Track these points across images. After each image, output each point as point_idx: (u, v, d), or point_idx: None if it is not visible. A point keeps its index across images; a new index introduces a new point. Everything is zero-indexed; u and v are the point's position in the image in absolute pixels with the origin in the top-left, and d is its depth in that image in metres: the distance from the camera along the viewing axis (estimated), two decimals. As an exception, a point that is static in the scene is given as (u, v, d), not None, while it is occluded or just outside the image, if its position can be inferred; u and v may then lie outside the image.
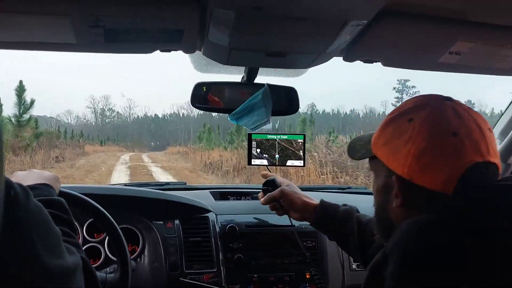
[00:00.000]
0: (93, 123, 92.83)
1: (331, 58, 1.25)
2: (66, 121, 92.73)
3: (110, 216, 1.27)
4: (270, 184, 1.57)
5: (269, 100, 1.42)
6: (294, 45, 1.13)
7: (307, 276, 1.61)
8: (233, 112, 1.45)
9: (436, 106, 0.86)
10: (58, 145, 30.08)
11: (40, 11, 0.94)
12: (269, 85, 1.43)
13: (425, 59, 1.24)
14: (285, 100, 1.50)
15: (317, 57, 1.20)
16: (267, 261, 1.61)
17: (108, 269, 1.34)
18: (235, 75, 1.50)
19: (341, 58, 1.28)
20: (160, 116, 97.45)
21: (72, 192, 1.26)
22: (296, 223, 1.65)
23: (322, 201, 1.46)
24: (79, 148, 36.40)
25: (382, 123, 0.93)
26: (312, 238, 1.66)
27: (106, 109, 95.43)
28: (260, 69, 1.42)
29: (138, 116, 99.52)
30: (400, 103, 0.98)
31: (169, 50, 1.15)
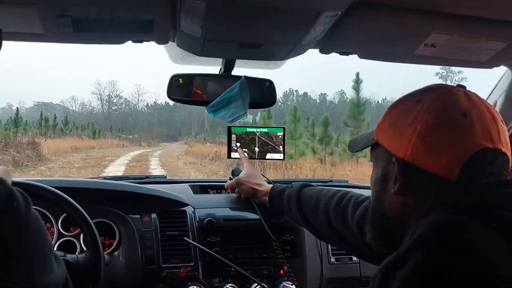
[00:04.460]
0: (99, 111, 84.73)
1: (307, 50, 1.24)
2: (71, 108, 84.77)
3: (82, 209, 1.24)
4: (234, 174, 1.76)
5: (247, 92, 1.41)
6: (268, 37, 1.11)
7: (286, 270, 1.60)
8: (210, 104, 1.44)
9: (448, 89, 0.83)
10: None
11: (6, 0, 0.91)
12: (246, 77, 1.42)
13: (400, 51, 1.23)
14: (262, 93, 1.48)
15: (292, 49, 1.19)
16: (245, 255, 1.59)
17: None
18: (212, 67, 1.48)
19: (317, 50, 1.28)
20: (170, 104, 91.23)
21: (44, 185, 1.23)
22: (275, 216, 1.66)
23: (272, 187, 1.56)
24: (23, 146, 18.56)
25: (388, 108, 0.90)
26: (290, 232, 1.65)
27: (113, 96, 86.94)
28: (239, 61, 1.40)
29: (147, 103, 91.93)
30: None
31: (141, 41, 1.13)
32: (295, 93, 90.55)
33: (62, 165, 17.33)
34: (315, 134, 17.61)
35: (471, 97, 0.81)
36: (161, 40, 1.15)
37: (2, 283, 0.59)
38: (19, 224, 0.61)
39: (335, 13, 0.99)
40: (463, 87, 0.84)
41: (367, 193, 1.32)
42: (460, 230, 0.68)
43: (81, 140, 31.61)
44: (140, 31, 1.07)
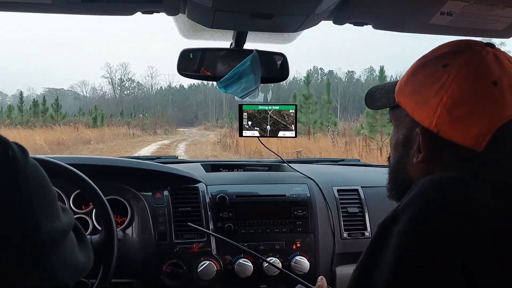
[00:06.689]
0: (111, 96, 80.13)
1: (320, 21, 1.22)
2: (81, 93, 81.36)
3: (95, 186, 1.25)
4: None
5: (258, 66, 1.39)
6: (281, 6, 1.09)
7: (298, 245, 1.60)
8: (221, 79, 1.42)
9: (476, 51, 0.77)
10: None
11: None
12: (258, 51, 1.40)
13: (416, 20, 1.20)
14: (275, 67, 1.47)
15: (305, 19, 1.17)
16: (257, 230, 1.60)
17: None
18: (223, 42, 1.47)
19: (331, 21, 1.26)
20: (185, 86, 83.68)
21: (57, 161, 1.24)
22: (286, 192, 1.66)
23: None
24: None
25: (411, 68, 0.84)
26: (303, 207, 1.64)
27: (124, 79, 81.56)
28: (250, 36, 1.38)
29: (161, 86, 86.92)
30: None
31: (151, 12, 1.11)
32: (320, 71, 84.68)
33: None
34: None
35: (502, 61, 0.76)
36: (171, 11, 1.13)
37: (3, 231, 0.59)
38: (16, 170, 0.62)
39: None
40: (492, 46, 0.79)
41: (380, 171, 1.30)
42: (460, 186, 0.69)
43: (74, 131, 22.83)
44: (149, 1, 1.05)
